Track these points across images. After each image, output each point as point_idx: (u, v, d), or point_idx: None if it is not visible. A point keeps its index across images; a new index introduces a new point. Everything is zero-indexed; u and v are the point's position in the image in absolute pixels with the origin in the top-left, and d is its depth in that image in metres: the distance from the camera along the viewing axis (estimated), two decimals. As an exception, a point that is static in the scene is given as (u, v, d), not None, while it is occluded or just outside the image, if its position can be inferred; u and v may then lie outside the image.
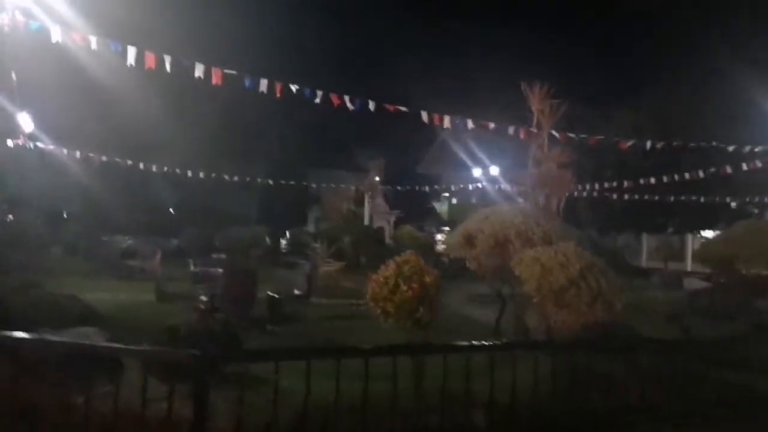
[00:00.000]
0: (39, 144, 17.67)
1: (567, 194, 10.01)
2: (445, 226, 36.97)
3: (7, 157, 16.23)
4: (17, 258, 14.05)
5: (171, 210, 30.92)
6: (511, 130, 12.05)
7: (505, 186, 26.44)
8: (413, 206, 37.12)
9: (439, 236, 31.39)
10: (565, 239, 7.07)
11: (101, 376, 4.94)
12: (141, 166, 21.31)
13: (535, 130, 11.99)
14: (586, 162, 18.78)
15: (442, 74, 62.89)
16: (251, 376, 5.23)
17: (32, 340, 4.60)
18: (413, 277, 6.05)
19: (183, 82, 16.17)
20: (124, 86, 19.45)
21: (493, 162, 29.56)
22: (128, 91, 20.39)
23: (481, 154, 30.59)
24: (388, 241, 23.85)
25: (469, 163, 32.12)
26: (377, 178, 28.06)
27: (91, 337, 5.64)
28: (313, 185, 31.68)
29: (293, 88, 11.31)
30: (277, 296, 10.95)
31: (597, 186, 21.36)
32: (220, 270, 11.59)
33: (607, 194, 22.62)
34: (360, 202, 26.54)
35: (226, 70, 10.64)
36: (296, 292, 12.10)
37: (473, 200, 37.93)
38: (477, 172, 31.40)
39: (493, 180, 29.07)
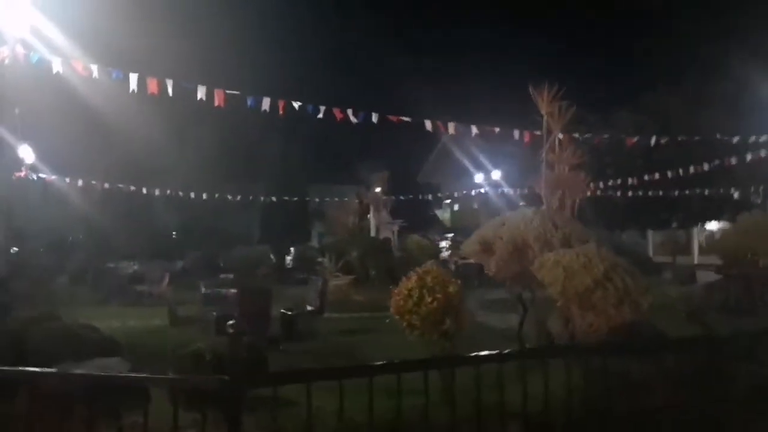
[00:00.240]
0: (42, 175, 17.67)
1: (581, 196, 9.99)
2: (448, 233, 36.98)
3: (11, 189, 16.20)
4: (23, 290, 13.96)
5: (174, 233, 30.92)
6: (516, 134, 12.06)
7: (508, 191, 26.42)
8: (415, 215, 37.16)
9: (442, 243, 31.37)
10: (583, 241, 7.02)
11: (128, 407, 4.85)
12: (144, 190, 21.31)
13: (538, 133, 11.98)
14: (590, 162, 18.80)
15: (438, 81, 63.28)
16: (280, 397, 5.15)
17: (57, 375, 4.53)
18: (436, 288, 5.99)
19: (181, 106, 16.23)
20: (124, 113, 19.51)
21: (496, 167, 29.55)
22: (128, 117, 20.46)
23: (483, 160, 30.60)
24: (395, 252, 23.78)
25: (471, 169, 32.12)
26: (378, 189, 28.04)
27: (115, 367, 5.55)
28: (316, 200, 31.71)
29: (296, 105, 11.29)
30: (290, 313, 10.87)
31: (601, 185, 21.38)
32: (233, 290, 11.50)
33: (611, 193, 22.61)
34: (364, 215, 26.51)
35: (228, 91, 10.63)
36: (309, 307, 12.00)
37: (475, 206, 37.94)
38: (479, 177, 31.38)
39: (496, 185, 29.04)
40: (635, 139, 15.35)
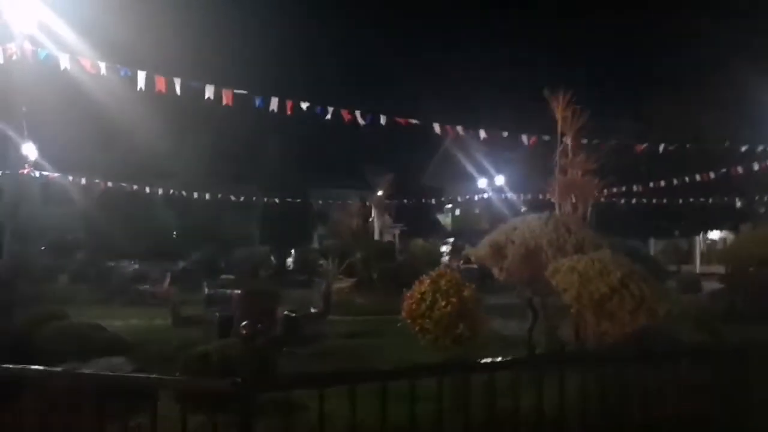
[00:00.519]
0: (44, 172, 17.60)
1: (593, 201, 9.93)
2: (450, 237, 36.93)
3: (14, 187, 16.12)
4: (24, 289, 13.86)
5: (174, 233, 30.81)
6: (524, 138, 12.01)
7: (510, 196, 26.36)
8: (417, 219, 37.07)
9: (444, 248, 31.29)
10: (597, 247, 6.94)
11: (134, 408, 4.76)
12: (147, 190, 21.25)
13: (547, 138, 11.91)
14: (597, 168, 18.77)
15: (438, 82, 63.37)
16: (288, 401, 5.05)
17: (66, 374, 4.44)
18: (450, 291, 5.90)
19: (185, 106, 16.19)
20: (128, 112, 19.44)
21: (498, 172, 29.50)
22: (132, 116, 20.37)
23: (487, 164, 30.57)
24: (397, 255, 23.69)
25: (474, 173, 32.08)
26: (380, 192, 27.99)
27: (121, 367, 5.46)
28: (320, 202, 31.64)
29: (304, 106, 11.22)
30: (293, 315, 10.76)
31: (605, 192, 21.33)
32: (237, 291, 11.39)
33: (614, 199, 22.57)
34: (367, 218, 26.44)
35: (236, 91, 10.56)
36: (312, 310, 11.91)
37: (477, 211, 37.90)
38: (482, 182, 31.34)
39: (498, 190, 28.99)
40: (644, 145, 15.29)
